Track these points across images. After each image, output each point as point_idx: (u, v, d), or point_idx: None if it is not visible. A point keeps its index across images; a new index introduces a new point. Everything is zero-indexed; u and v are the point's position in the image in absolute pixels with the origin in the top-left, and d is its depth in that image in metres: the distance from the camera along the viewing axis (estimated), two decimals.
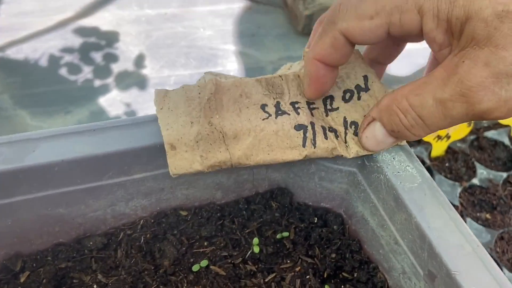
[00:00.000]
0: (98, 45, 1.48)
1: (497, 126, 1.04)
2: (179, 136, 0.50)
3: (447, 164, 0.95)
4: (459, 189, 0.91)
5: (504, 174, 0.93)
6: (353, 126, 0.54)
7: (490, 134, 1.02)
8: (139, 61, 1.46)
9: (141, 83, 1.39)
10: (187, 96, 0.52)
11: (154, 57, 1.49)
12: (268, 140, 0.51)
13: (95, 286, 0.55)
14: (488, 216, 0.86)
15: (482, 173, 0.92)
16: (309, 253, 0.63)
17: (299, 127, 0.52)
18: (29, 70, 1.38)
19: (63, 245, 0.60)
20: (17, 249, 0.58)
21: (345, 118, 0.54)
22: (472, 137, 1.00)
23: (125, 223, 0.62)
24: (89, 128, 0.53)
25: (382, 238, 0.58)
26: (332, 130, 0.54)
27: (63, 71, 1.39)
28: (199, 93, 0.52)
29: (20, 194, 0.52)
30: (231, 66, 1.51)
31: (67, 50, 1.44)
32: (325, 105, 0.55)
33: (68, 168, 0.51)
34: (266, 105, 0.53)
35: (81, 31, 1.51)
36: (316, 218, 0.67)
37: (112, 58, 1.45)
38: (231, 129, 0.50)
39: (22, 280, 0.56)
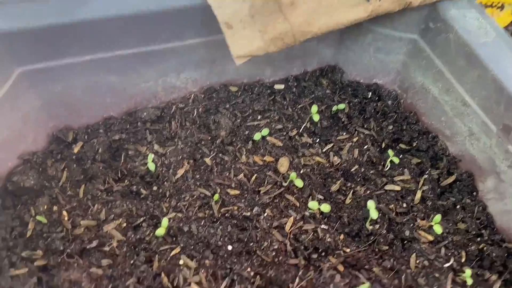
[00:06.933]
0: None
1: None
2: (232, 13, 0.46)
3: None
4: None
5: None
6: None
7: None
8: None
9: None
10: None
11: None
12: (329, 1, 0.47)
13: (152, 155, 0.54)
14: None
15: None
16: (365, 125, 0.61)
17: None
18: None
19: (114, 119, 0.57)
20: (67, 122, 0.56)
21: None
22: None
23: (175, 97, 0.59)
24: None
25: (446, 103, 0.56)
26: None
27: None
28: None
29: (71, 55, 0.49)
30: None
31: None
32: None
33: (122, 26, 0.48)
34: None
35: None
36: (370, 93, 0.64)
37: None
38: None
39: (75, 150, 0.54)
